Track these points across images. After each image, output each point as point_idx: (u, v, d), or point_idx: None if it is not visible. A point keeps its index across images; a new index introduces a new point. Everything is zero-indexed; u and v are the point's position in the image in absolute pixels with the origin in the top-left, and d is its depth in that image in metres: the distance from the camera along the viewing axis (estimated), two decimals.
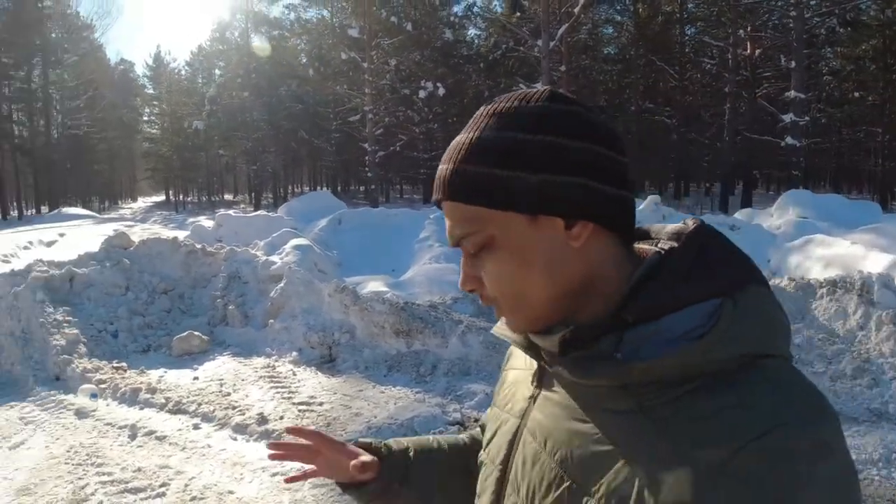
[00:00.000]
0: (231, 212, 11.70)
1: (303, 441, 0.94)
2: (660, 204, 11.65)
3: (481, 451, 0.86)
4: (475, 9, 37.55)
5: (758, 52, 23.83)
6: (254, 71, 34.05)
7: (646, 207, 11.17)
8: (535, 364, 0.76)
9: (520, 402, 0.78)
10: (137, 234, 15.07)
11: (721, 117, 26.55)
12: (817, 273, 8.19)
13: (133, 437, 4.39)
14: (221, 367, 6.10)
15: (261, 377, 5.66)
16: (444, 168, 0.70)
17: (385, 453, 0.97)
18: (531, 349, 0.74)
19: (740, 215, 13.18)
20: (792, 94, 18.88)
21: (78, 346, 6.25)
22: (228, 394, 5.21)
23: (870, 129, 27.17)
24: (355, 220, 12.18)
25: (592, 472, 0.62)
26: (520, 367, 0.84)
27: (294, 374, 5.72)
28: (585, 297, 0.68)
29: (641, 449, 0.59)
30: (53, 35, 39.42)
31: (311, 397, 5.07)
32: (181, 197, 50.60)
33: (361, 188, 40.88)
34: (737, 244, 0.69)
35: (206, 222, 19.51)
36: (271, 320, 7.01)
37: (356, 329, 6.45)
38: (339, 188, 40.85)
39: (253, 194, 38.27)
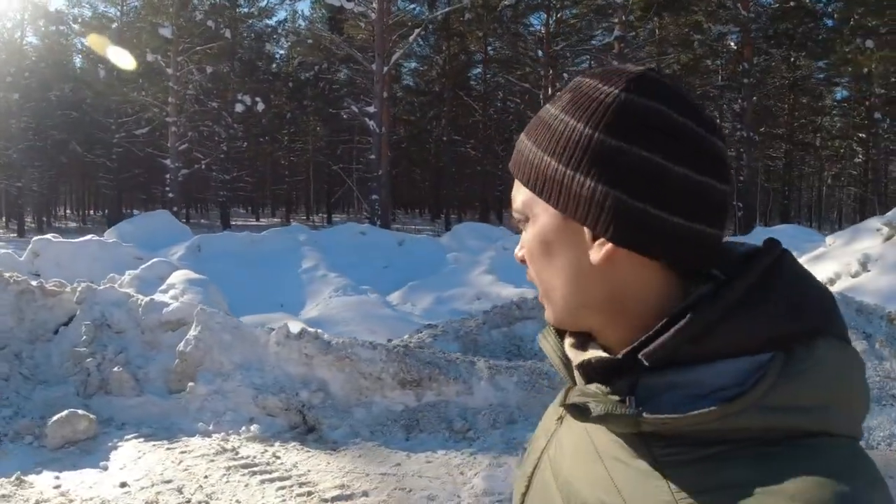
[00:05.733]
0: (50, 236, 8.77)
1: None
2: None
3: None
4: (286, 25, 35.73)
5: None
6: (27, 69, 27.68)
7: None
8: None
9: (550, 421, 0.71)
10: None
11: None
12: None
13: None
14: (143, 460, 4.21)
15: (230, 468, 3.97)
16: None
17: None
18: (566, 367, 0.65)
19: None
20: None
21: None
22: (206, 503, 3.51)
23: None
24: (217, 246, 10.05)
25: None
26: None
27: (276, 458, 4.13)
28: (613, 319, 0.58)
29: None
30: None
31: (341, 487, 3.61)
32: None
33: (137, 212, 35.77)
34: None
35: None
36: (191, 383, 5.16)
37: (328, 384, 5.00)
38: (123, 210, 35.18)
39: (12, 218, 30.98)
